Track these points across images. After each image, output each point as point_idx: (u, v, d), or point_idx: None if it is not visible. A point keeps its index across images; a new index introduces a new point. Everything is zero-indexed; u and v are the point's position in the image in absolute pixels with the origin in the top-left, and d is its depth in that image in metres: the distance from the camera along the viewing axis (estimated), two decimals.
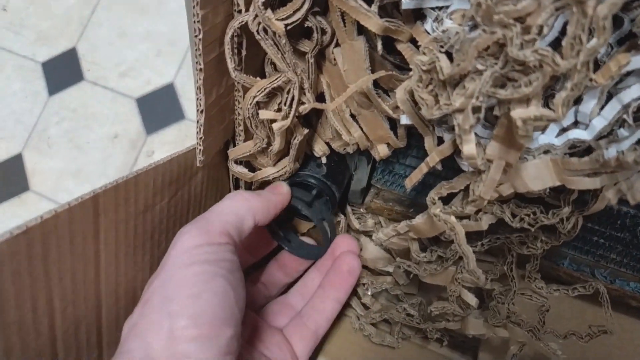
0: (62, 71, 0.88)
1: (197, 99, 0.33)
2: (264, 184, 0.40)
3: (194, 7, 0.28)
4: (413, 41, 0.30)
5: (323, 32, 0.33)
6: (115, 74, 0.85)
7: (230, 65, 0.32)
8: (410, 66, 0.28)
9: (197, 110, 0.34)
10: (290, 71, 0.32)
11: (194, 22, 0.29)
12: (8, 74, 0.90)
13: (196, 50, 0.30)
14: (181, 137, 0.79)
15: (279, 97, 0.34)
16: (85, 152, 0.82)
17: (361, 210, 0.48)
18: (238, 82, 0.34)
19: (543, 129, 0.27)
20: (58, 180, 0.83)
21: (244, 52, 0.32)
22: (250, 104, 0.33)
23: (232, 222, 0.32)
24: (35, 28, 0.91)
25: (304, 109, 0.33)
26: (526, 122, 0.21)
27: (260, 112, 0.33)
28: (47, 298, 0.26)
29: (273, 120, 0.34)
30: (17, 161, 0.86)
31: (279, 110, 0.34)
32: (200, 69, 0.31)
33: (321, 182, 0.40)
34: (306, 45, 0.33)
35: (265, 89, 0.32)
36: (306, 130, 0.36)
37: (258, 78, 0.33)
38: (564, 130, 0.28)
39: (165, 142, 0.79)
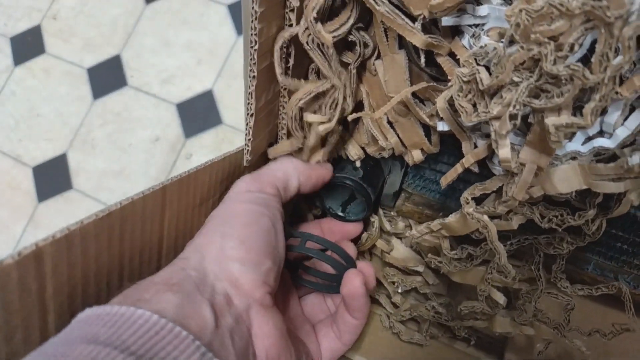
0: (107, 77, 0.92)
1: (249, 104, 0.36)
2: None
3: (252, 21, 0.31)
4: (450, 55, 0.33)
5: (365, 45, 0.36)
6: (157, 80, 0.89)
7: (278, 70, 0.34)
8: (449, 77, 0.30)
9: (247, 114, 0.37)
10: (335, 78, 0.35)
11: (251, 34, 0.32)
12: (56, 78, 0.95)
13: (251, 59, 0.33)
14: (218, 141, 0.83)
15: (320, 100, 0.37)
16: (127, 154, 0.86)
17: (392, 213, 0.49)
18: (284, 88, 0.37)
19: (571, 137, 0.30)
20: (100, 180, 0.87)
21: (291, 62, 0.35)
22: (296, 105, 0.36)
23: (280, 178, 0.38)
24: (82, 36, 0.96)
25: (351, 116, 0.36)
26: (559, 129, 0.23)
27: (308, 115, 0.36)
28: (119, 277, 0.30)
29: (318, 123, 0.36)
30: (61, 161, 0.91)
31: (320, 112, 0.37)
32: (254, 76, 0.34)
33: (357, 184, 0.42)
34: (349, 57, 0.36)
35: (311, 93, 0.35)
36: (340, 127, 0.39)
37: (303, 81, 0.36)
38: (589, 138, 0.30)
39: (203, 146, 0.83)
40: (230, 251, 0.31)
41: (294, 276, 0.43)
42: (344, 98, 0.36)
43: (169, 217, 0.32)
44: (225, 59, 0.86)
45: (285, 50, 0.35)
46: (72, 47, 0.96)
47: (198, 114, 0.85)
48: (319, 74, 0.37)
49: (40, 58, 0.98)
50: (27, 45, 0.99)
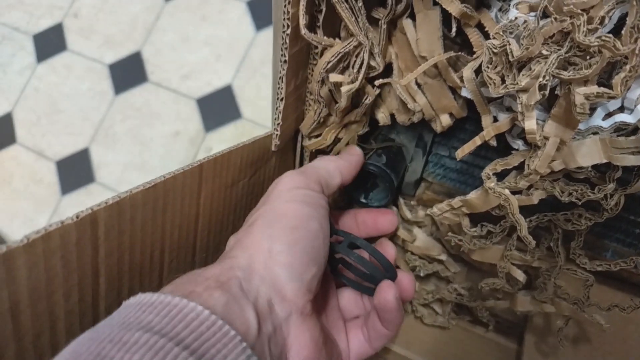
0: (128, 73, 0.94)
1: (279, 88, 0.37)
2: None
3: (285, 5, 0.32)
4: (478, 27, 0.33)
5: (397, 0, 0.35)
6: (177, 76, 0.91)
7: (302, 21, 0.33)
8: (475, 49, 0.31)
9: (277, 99, 0.38)
10: (362, 35, 0.34)
11: (284, 19, 0.33)
12: (78, 74, 0.97)
13: (283, 44, 0.34)
14: (237, 135, 0.84)
15: (347, 62, 0.36)
16: (148, 148, 0.88)
17: (412, 202, 0.50)
18: (315, 52, 0.37)
19: (592, 113, 0.31)
20: (122, 173, 0.88)
21: (321, 18, 0.34)
22: (324, 68, 0.35)
23: (324, 176, 0.37)
24: (103, 33, 0.98)
25: (378, 82, 0.36)
26: (588, 98, 0.24)
27: (332, 75, 0.36)
28: (160, 248, 0.31)
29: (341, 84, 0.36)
30: (84, 155, 0.93)
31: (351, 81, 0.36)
32: (285, 61, 0.35)
33: (381, 170, 0.43)
34: (380, 13, 0.35)
35: (339, 54, 0.35)
36: (377, 91, 0.38)
37: (325, 37, 0.35)
38: (609, 115, 0.31)
39: (222, 140, 0.84)
40: (278, 256, 0.30)
41: (333, 269, 0.42)
42: (372, 56, 0.36)
43: (204, 195, 0.34)
44: (244, 54, 0.87)
45: (316, 5, 0.34)
46: (93, 44, 0.98)
47: (217, 108, 0.87)
48: (348, 31, 0.36)
49: (62, 55, 1.00)
50: (49, 43, 1.01)
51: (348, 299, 0.42)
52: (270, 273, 0.30)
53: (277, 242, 0.30)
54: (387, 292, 0.36)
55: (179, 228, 0.32)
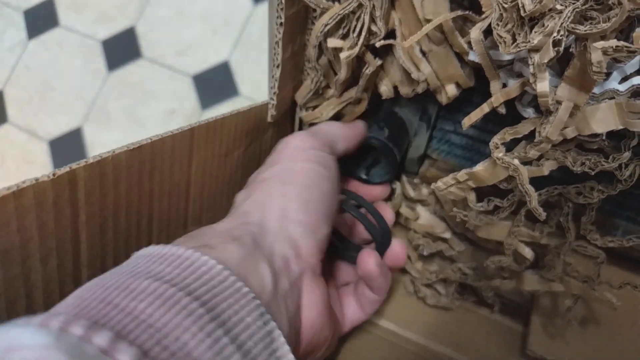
0: (121, 49, 0.92)
1: (275, 54, 0.35)
2: None
3: None
4: None
5: None
6: (172, 52, 0.88)
7: None
8: (484, 9, 0.30)
9: (274, 65, 0.36)
10: None
11: None
12: (70, 51, 0.95)
13: (278, 5, 0.33)
14: None
15: (347, 26, 0.35)
16: (143, 126, 0.86)
17: (415, 180, 0.49)
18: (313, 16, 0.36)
19: (607, 76, 0.29)
20: None
21: None
22: (321, 31, 0.34)
23: (332, 140, 0.37)
24: (96, 8, 0.95)
25: (379, 43, 0.34)
26: (606, 53, 0.23)
27: (331, 40, 0.34)
28: (149, 217, 0.29)
29: (340, 50, 0.34)
30: (77, 134, 0.90)
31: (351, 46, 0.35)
32: (281, 23, 0.33)
33: (383, 144, 0.41)
34: None
35: (338, 16, 0.33)
36: (379, 62, 0.37)
37: (325, 1, 0.33)
38: (625, 78, 0.29)
39: None
40: (293, 213, 0.30)
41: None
42: (373, 20, 0.34)
43: (196, 162, 0.32)
44: (242, 29, 0.85)
45: None
46: (86, 19, 0.95)
47: (214, 85, 0.85)
48: None
49: (54, 31, 0.97)
50: (41, 18, 0.98)
51: (338, 266, 0.42)
52: (285, 230, 0.29)
53: (291, 200, 0.31)
54: (367, 260, 0.36)
55: (169, 196, 0.30)
